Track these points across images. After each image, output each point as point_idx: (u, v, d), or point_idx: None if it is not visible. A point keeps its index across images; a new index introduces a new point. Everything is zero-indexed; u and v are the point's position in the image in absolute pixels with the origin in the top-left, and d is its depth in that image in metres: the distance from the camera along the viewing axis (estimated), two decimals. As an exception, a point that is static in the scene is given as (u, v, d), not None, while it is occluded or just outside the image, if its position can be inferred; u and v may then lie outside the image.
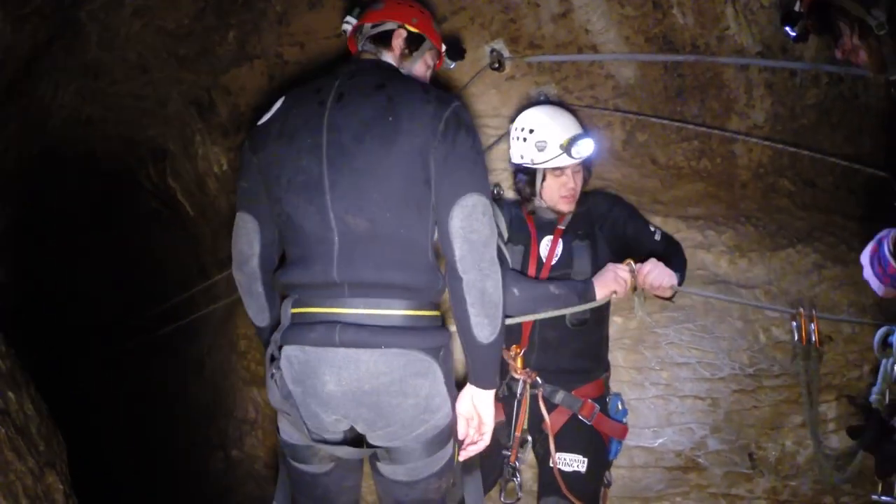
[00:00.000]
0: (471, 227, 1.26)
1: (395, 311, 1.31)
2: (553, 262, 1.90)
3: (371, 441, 1.36)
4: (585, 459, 1.77)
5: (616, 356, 2.19)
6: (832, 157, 2.12)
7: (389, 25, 1.53)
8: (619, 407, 1.94)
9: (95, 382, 4.90)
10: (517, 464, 1.85)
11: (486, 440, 1.46)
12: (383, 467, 1.38)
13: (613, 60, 2.21)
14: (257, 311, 1.50)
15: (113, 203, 4.48)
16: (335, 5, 2.38)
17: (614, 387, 2.13)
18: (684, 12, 2.06)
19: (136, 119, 3.20)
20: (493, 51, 2.28)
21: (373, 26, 1.53)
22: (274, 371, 1.34)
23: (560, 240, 1.92)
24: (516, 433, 1.84)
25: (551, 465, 1.76)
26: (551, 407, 1.82)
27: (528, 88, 2.34)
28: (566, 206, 1.94)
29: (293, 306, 1.38)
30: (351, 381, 1.27)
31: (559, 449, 1.77)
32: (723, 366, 2.12)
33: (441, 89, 1.44)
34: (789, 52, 2.05)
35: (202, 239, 3.70)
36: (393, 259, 1.30)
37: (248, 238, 1.44)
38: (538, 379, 1.84)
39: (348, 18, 1.62)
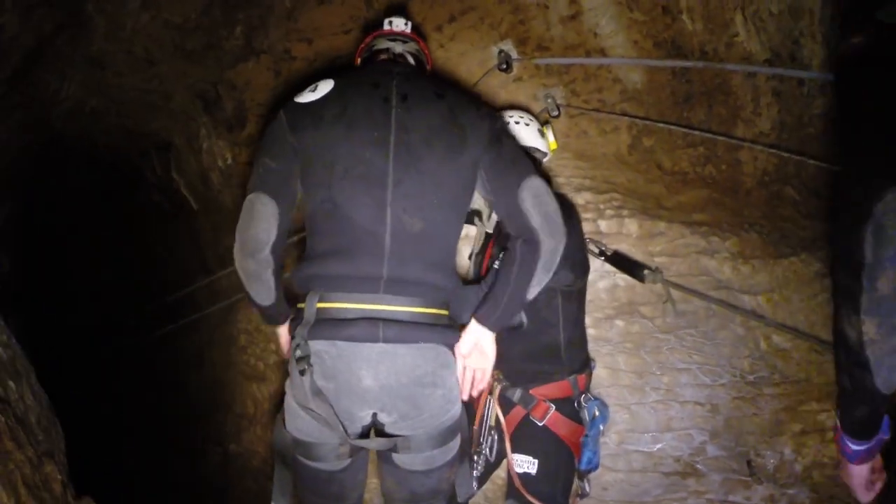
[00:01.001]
0: (543, 202, 1.34)
1: (427, 309, 1.36)
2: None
3: (394, 431, 1.37)
4: (536, 461, 1.72)
5: (617, 360, 2.19)
6: (838, 166, 2.12)
7: (423, 63, 1.67)
8: (596, 413, 1.84)
9: (94, 375, 4.89)
10: (475, 457, 1.83)
11: (487, 376, 1.49)
12: (400, 458, 1.39)
13: (621, 64, 2.21)
14: (265, 293, 1.38)
15: (115, 196, 4.48)
16: (344, 1, 2.38)
17: (614, 391, 2.13)
18: (693, 18, 2.06)
19: (141, 112, 3.19)
20: (501, 51, 2.28)
21: (418, 51, 1.66)
22: (306, 367, 1.30)
23: (493, 248, 1.90)
24: (474, 426, 1.82)
25: (508, 466, 1.74)
26: (510, 405, 1.80)
27: (535, 90, 2.34)
28: None
29: (319, 301, 1.33)
30: (389, 374, 1.30)
31: (514, 449, 1.74)
32: (723, 372, 2.13)
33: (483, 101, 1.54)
34: (797, 60, 2.05)
35: (204, 233, 3.69)
36: (434, 259, 1.37)
37: (266, 224, 1.30)
38: (500, 375, 1.82)
39: (402, 24, 1.70)
